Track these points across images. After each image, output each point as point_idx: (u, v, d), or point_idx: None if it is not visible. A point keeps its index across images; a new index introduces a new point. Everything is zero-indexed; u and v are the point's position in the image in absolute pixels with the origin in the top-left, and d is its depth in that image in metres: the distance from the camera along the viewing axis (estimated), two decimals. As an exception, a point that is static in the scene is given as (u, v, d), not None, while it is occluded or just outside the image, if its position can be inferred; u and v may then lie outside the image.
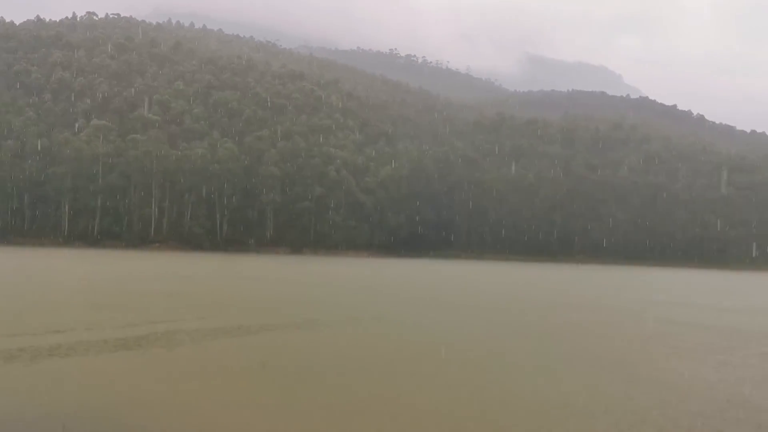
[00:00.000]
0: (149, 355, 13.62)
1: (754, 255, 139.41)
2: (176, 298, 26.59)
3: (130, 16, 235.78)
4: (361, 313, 22.89)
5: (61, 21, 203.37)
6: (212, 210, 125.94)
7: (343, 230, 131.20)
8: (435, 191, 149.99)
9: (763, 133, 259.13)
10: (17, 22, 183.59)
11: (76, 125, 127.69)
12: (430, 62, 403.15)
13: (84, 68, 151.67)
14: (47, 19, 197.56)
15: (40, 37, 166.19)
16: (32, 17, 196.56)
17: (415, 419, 9.34)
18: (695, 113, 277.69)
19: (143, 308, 21.97)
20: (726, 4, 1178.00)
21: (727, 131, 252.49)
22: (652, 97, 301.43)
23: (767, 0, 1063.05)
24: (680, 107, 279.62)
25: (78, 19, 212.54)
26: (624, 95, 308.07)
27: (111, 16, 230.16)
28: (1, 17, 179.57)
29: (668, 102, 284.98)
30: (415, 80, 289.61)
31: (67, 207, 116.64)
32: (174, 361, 13.18)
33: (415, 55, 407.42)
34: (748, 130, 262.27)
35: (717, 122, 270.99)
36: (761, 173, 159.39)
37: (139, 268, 54.11)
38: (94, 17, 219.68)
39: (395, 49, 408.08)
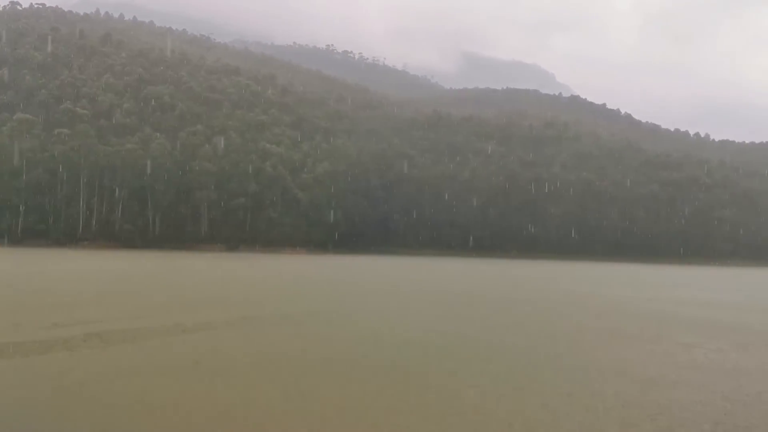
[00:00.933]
0: (80, 355, 13.01)
1: (680, 249, 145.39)
2: (108, 297, 25.64)
3: (56, 7, 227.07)
4: (296, 309, 22.56)
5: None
6: (144, 207, 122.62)
7: (280, 227, 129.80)
8: (373, 188, 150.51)
9: (687, 132, 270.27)
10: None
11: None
12: (367, 59, 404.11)
13: (7, 60, 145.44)
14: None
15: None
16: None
17: (331, 417, 9.12)
18: (623, 112, 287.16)
19: (72, 308, 21.05)
20: (652, 7, 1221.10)
21: (653, 129, 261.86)
22: (583, 96, 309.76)
23: (689, 4, 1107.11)
24: (609, 106, 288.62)
25: (1, 8, 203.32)
26: (557, 94, 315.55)
27: (36, 5, 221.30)
28: None
29: (598, 101, 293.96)
30: (352, 76, 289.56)
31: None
32: (106, 360, 12.63)
33: (352, 51, 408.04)
34: (672, 129, 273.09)
35: (643, 121, 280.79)
36: (684, 170, 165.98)
37: (66, 266, 52.12)
38: (18, 7, 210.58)
39: (332, 44, 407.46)
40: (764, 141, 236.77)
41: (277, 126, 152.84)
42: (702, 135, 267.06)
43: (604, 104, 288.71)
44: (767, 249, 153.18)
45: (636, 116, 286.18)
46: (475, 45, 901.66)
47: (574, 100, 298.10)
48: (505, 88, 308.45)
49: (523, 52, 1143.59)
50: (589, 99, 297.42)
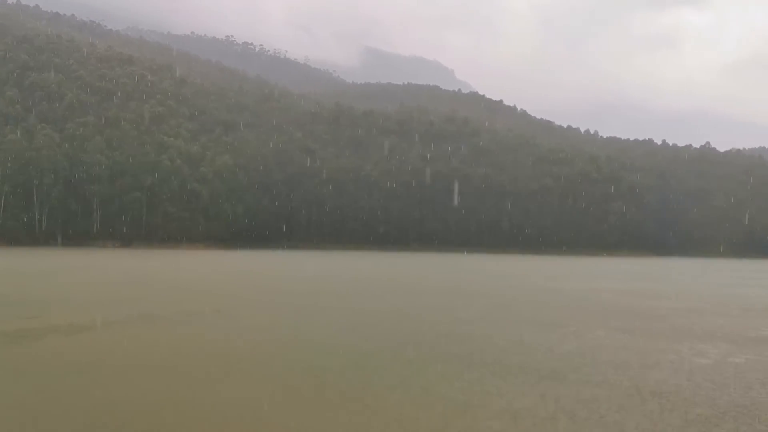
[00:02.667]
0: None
1: (572, 241, 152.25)
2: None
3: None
4: (199, 307, 21.97)
5: None
6: (30, 202, 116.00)
7: (178, 222, 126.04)
8: (274, 182, 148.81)
9: (578, 129, 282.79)
10: None
11: None
12: (268, 51, 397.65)
13: None
14: None
15: None
16: None
17: (218, 417, 8.95)
18: (519, 108, 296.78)
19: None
20: (546, 8, 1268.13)
21: (547, 126, 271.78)
22: (481, 93, 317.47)
23: (580, 6, 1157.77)
24: (506, 103, 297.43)
25: None
26: (456, 90, 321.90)
27: None
28: None
29: (496, 97, 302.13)
30: (253, 69, 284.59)
31: None
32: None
33: (252, 43, 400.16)
34: (565, 125, 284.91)
35: (538, 117, 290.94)
36: (575, 165, 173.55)
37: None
38: None
39: (232, 36, 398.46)
40: (646, 138, 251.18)
41: (174, 118, 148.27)
42: (591, 131, 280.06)
43: (501, 101, 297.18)
44: (650, 240, 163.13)
45: (531, 113, 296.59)
46: (377, 40, 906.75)
47: (473, 96, 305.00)
48: (406, 83, 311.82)
49: (424, 48, 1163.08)
50: (488, 96, 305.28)
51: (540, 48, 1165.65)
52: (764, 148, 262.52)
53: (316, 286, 34.48)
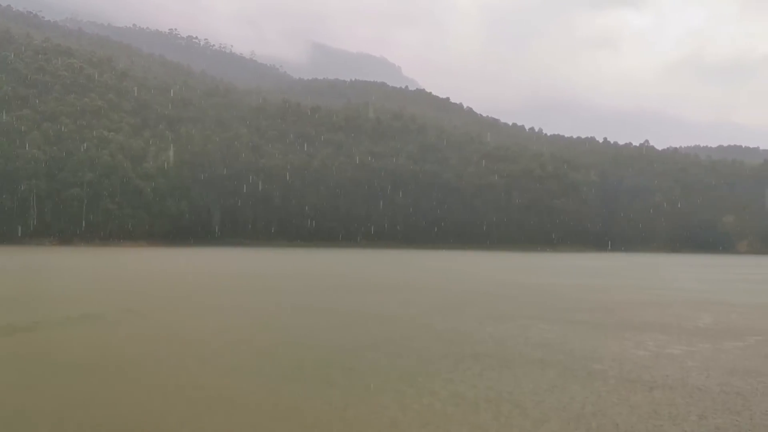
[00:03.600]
0: None
1: (516, 237, 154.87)
2: None
3: None
4: (139, 304, 21.46)
5: None
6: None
7: (119, 219, 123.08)
8: (220, 178, 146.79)
9: (522, 126, 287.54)
10: None
11: None
12: (213, 45, 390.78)
13: None
14: None
15: None
16: None
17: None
18: (465, 106, 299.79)
19: None
20: (492, 7, 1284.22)
21: (492, 123, 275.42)
22: (428, 90, 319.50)
23: (526, 6, 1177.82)
24: (453, 100, 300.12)
25: None
26: (403, 87, 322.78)
27: None
28: None
29: (442, 95, 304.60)
30: (198, 63, 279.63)
31: None
32: None
33: (196, 37, 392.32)
34: (510, 123, 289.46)
35: (484, 115, 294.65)
36: (520, 162, 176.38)
37: None
38: None
39: (175, 29, 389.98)
40: (589, 136, 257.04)
41: (116, 112, 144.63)
42: (536, 129, 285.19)
43: (448, 98, 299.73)
44: (592, 236, 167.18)
45: (477, 110, 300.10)
46: (324, 36, 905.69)
47: (420, 93, 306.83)
48: (353, 79, 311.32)
49: (372, 44, 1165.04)
50: (434, 93, 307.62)
51: (486, 46, 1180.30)
52: (699, 146, 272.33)
53: (241, 282, 34.13)
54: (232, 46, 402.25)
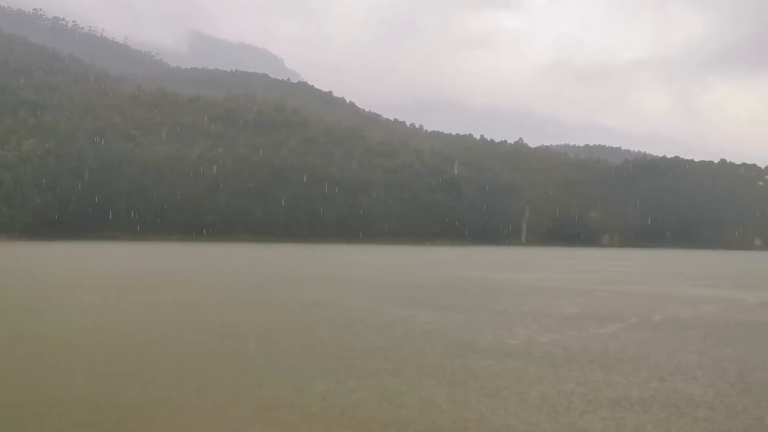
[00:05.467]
0: None
1: (397, 231, 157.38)
2: None
3: None
4: (18, 302, 19.76)
5: None
6: None
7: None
8: (90, 168, 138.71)
9: (404, 122, 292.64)
10: None
11: None
12: (83, 28, 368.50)
13: None
14: None
15: None
16: None
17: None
18: (348, 100, 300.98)
19: None
20: (376, 3, 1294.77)
21: (374, 118, 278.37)
22: (310, 83, 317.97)
23: (408, 3, 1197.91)
24: (335, 94, 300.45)
25: None
26: (285, 79, 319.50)
27: None
28: None
29: (325, 88, 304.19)
30: (65, 46, 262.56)
31: None
32: None
33: (64, 18, 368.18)
34: (392, 119, 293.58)
35: (366, 110, 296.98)
36: (401, 158, 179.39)
37: None
38: None
39: (40, 9, 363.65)
40: (467, 133, 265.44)
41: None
42: (417, 125, 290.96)
43: (331, 92, 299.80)
44: (469, 230, 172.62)
45: (359, 105, 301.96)
46: (204, 24, 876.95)
47: (303, 86, 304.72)
48: (234, 70, 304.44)
49: (253, 35, 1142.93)
50: (317, 86, 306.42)
51: (368, 42, 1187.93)
52: (569, 145, 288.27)
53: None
54: (103, 29, 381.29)
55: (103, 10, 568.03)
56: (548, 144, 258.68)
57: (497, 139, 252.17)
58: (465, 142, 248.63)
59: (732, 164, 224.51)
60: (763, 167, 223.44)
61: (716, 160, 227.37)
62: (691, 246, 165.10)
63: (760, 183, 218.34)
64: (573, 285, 30.73)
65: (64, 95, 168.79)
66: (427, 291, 25.68)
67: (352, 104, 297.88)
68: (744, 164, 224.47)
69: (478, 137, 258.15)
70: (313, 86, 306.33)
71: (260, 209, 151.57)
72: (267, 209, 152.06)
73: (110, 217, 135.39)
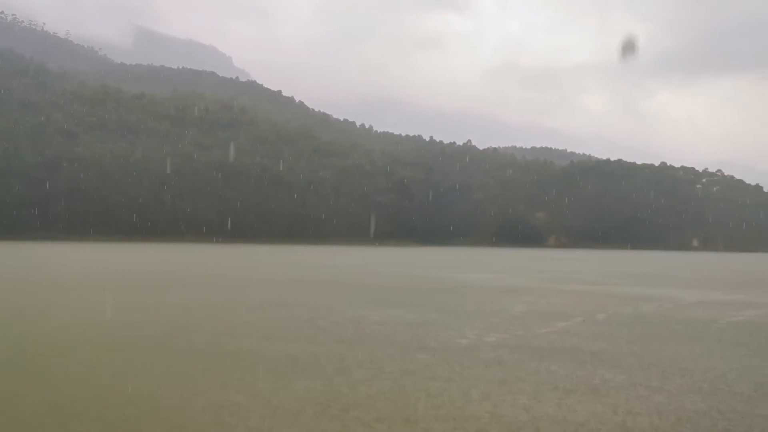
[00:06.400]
0: None
1: (345, 232, 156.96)
2: None
3: None
4: None
5: None
6: None
7: None
8: (28, 166, 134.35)
9: (354, 122, 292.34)
10: None
11: None
12: (22, 21, 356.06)
13: None
14: None
15: None
16: None
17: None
18: (297, 100, 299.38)
19: None
20: (327, 3, 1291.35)
21: (324, 118, 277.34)
22: (259, 81, 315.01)
23: (359, 2, 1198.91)
24: (285, 93, 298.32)
25: None
26: (234, 77, 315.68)
27: None
28: None
29: (274, 87, 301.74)
30: (4, 41, 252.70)
31: None
32: None
33: (2, 12, 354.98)
34: (342, 119, 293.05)
35: (315, 109, 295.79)
36: (351, 158, 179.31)
37: None
38: None
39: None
40: (416, 134, 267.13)
41: None
42: (367, 126, 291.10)
43: (280, 91, 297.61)
44: (418, 231, 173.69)
45: (309, 105, 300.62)
46: (149, 20, 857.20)
47: (251, 85, 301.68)
48: (180, 67, 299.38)
49: (201, 32, 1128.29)
50: (266, 85, 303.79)
51: (319, 41, 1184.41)
52: (516, 147, 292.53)
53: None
54: (44, 23, 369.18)
55: (44, 3, 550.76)
56: (496, 146, 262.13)
57: (446, 141, 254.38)
58: (415, 143, 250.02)
59: (672, 167, 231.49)
60: (700, 170, 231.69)
61: (657, 163, 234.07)
62: (633, 246, 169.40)
63: (698, 185, 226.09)
64: (521, 284, 30.96)
65: (2, 91, 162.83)
66: (376, 291, 25.45)
67: (301, 104, 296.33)
68: (683, 167, 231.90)
69: (427, 138, 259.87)
70: (262, 85, 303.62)
71: (207, 209, 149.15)
72: (214, 209, 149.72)
73: (50, 217, 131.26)
